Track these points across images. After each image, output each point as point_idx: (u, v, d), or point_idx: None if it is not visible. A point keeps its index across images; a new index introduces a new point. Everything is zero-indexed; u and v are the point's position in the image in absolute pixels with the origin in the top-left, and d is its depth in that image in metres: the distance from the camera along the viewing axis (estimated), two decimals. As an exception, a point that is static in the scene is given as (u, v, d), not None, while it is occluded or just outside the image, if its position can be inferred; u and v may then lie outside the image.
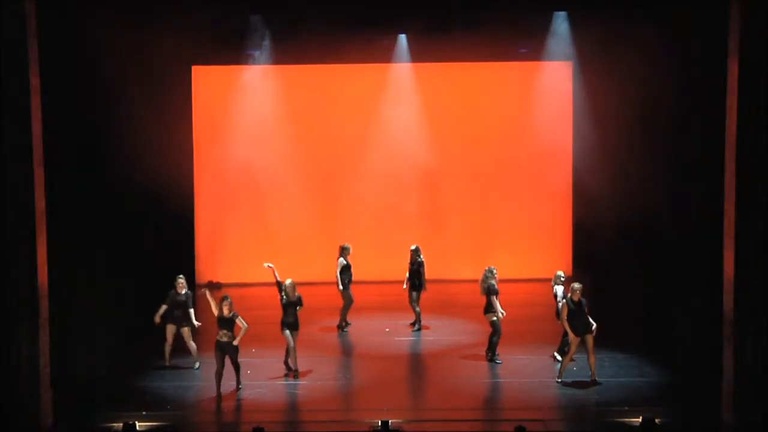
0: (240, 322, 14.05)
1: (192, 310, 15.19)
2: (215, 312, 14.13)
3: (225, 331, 14.03)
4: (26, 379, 12.42)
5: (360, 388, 14.68)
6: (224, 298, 14.11)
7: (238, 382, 14.29)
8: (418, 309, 17.33)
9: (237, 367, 14.23)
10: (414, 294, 17.34)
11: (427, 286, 17.42)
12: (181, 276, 15.35)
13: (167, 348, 15.29)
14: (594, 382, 14.28)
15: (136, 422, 12.40)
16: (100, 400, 13.71)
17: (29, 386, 12.45)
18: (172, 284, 15.23)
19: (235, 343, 14.02)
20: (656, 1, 15.07)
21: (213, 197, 21.53)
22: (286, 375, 14.91)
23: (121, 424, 12.33)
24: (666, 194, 15.96)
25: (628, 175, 17.84)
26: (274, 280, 15.03)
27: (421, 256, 17.40)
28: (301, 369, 14.98)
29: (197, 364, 15.17)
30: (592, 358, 14.33)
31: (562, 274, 15.63)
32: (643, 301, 17.24)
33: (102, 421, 12.89)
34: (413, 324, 17.47)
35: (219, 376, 14.07)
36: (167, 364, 15.26)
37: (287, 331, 14.82)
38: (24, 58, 12.18)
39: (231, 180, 21.48)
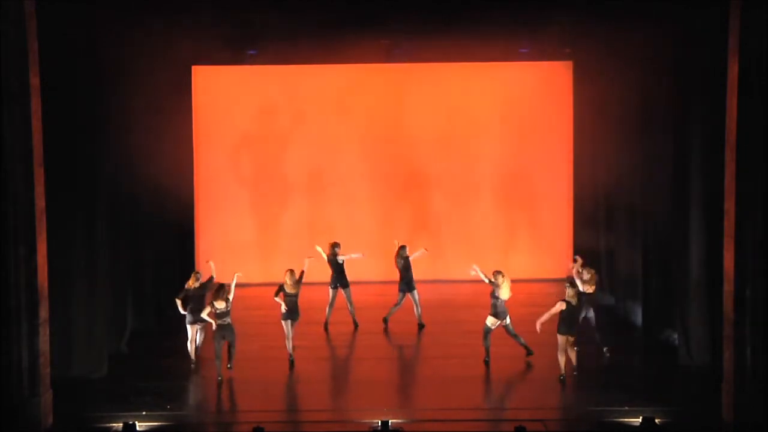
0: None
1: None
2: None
3: (224, 319, 14.39)
4: (26, 379, 12.41)
5: (360, 388, 14.67)
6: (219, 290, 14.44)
7: (230, 359, 14.54)
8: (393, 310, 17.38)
9: (231, 347, 14.51)
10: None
11: (416, 286, 17.41)
12: (197, 272, 15.70)
13: (191, 347, 15.28)
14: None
15: (136, 422, 12.40)
16: (100, 400, 13.69)
17: (29, 386, 12.45)
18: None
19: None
20: (656, 1, 15.07)
21: (213, 198, 21.53)
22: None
23: (121, 424, 12.34)
24: (666, 194, 15.95)
25: (629, 174, 17.83)
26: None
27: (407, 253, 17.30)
28: (300, 369, 15.05)
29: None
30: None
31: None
32: (643, 301, 17.23)
33: (102, 421, 12.88)
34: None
35: (218, 358, 14.42)
36: (193, 362, 15.25)
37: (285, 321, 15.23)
38: (24, 58, 12.18)
39: (231, 180, 21.50)
